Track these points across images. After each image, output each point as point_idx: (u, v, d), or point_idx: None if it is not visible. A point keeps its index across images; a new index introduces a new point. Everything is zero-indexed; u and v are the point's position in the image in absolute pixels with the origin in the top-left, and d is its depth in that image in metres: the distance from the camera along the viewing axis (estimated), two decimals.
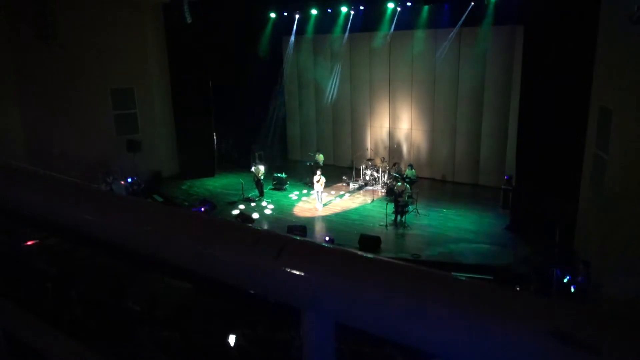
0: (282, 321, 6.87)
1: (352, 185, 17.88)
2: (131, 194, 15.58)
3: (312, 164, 18.04)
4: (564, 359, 0.48)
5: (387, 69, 19.05)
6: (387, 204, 14.34)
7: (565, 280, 9.89)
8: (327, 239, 12.70)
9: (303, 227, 13.70)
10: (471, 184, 17.89)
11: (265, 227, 14.23)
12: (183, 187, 18.38)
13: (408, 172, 16.23)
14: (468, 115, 17.70)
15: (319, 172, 15.96)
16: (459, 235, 13.37)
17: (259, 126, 20.78)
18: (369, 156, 18.84)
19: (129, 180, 16.64)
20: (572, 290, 9.64)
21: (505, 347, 0.52)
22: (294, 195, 17.06)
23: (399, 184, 14.58)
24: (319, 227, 14.46)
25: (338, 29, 18.89)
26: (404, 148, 19.33)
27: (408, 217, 14.20)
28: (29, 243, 8.13)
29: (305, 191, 17.31)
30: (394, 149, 19.47)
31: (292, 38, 20.64)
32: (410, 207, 14.51)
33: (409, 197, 14.51)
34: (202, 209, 15.28)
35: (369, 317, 0.61)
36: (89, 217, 0.92)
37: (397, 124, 19.35)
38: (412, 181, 15.89)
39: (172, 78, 19.34)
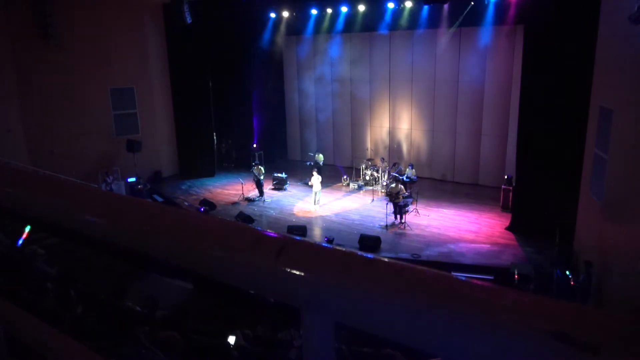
0: (282, 321, 6.87)
1: (352, 185, 17.88)
2: (135, 194, 15.60)
3: (312, 164, 18.05)
4: (564, 359, 0.48)
5: (387, 69, 19.06)
6: (387, 204, 14.35)
7: (565, 280, 9.89)
8: (326, 239, 12.71)
9: (303, 227, 13.70)
10: (471, 184, 17.89)
11: (265, 227, 14.24)
12: (183, 187, 18.39)
13: (408, 171, 16.22)
14: (468, 115, 17.70)
15: (315, 172, 15.96)
16: (459, 235, 13.38)
17: (259, 126, 20.79)
18: (368, 156, 18.85)
19: (135, 179, 16.64)
20: (572, 290, 9.64)
21: (505, 347, 0.52)
22: (294, 196, 17.06)
23: (393, 185, 14.59)
24: (319, 227, 14.45)
25: (338, 28, 18.90)
26: (404, 148, 19.33)
27: (408, 217, 14.21)
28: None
29: (305, 191, 17.32)
30: (394, 149, 19.48)
31: (292, 38, 20.66)
32: (410, 207, 14.51)
33: (407, 197, 14.49)
34: (202, 209, 15.28)
35: (369, 317, 0.61)
36: (89, 217, 0.92)
37: (397, 124, 19.36)
38: (412, 181, 15.88)
39: (172, 78, 19.36)
